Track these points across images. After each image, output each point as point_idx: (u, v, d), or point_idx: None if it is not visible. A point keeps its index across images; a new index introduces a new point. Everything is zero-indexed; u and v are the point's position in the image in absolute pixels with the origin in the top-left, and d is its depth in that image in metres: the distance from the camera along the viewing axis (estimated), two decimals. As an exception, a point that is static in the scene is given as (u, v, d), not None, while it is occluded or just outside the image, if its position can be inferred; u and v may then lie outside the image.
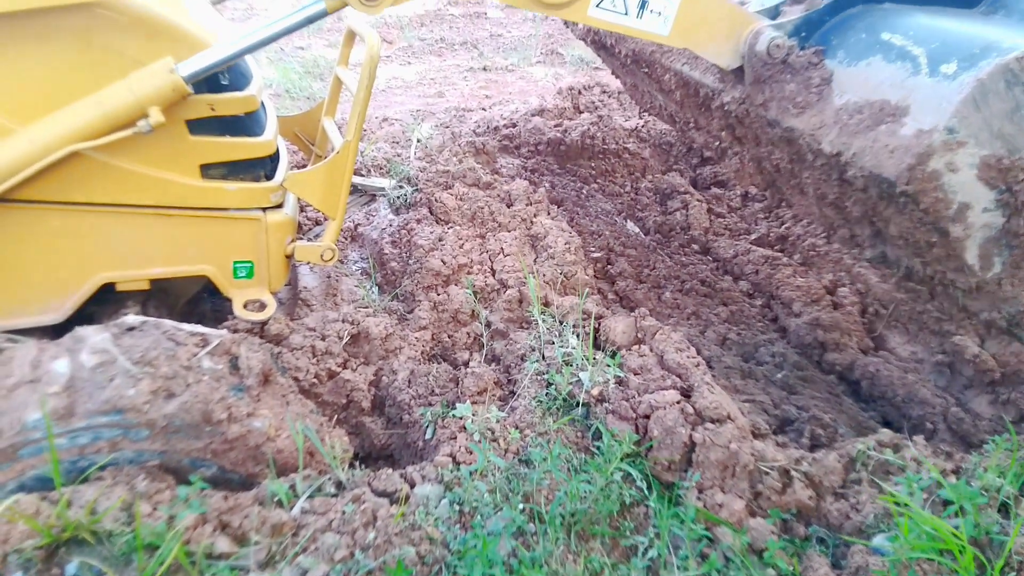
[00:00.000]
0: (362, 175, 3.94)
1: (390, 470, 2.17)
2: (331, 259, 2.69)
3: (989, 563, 1.92)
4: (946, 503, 2.07)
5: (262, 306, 2.60)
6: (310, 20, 2.35)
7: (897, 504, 2.04)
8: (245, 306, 2.58)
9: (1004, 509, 2.07)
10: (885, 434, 2.26)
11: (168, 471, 2.04)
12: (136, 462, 1.99)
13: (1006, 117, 2.19)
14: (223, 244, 2.52)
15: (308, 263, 2.81)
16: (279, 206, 2.58)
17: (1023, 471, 2.14)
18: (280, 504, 2.02)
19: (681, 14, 2.53)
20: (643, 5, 2.50)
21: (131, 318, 2.09)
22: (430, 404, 2.54)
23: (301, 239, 2.73)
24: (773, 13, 2.84)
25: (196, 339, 2.09)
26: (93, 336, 2.02)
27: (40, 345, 2.02)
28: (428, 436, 2.42)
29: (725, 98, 2.86)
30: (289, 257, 2.64)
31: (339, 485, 2.15)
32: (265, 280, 2.62)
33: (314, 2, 2.34)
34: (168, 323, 2.10)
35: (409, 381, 2.62)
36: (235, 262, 2.56)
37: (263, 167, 2.53)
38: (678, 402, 2.26)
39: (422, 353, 2.75)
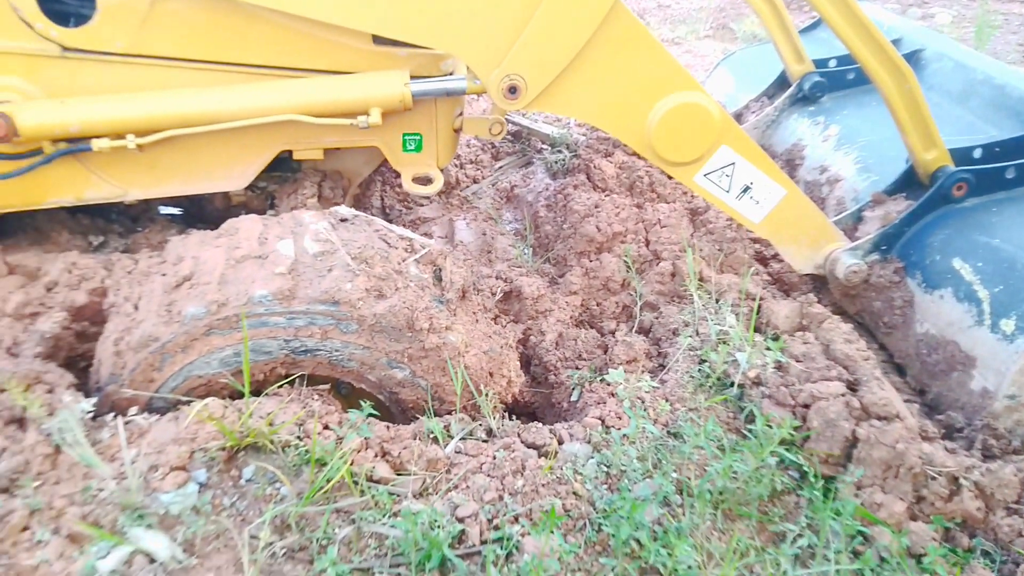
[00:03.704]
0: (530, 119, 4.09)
1: (539, 424, 2.31)
2: (499, 133, 2.82)
3: None
4: None
5: (429, 180, 2.77)
6: (448, 92, 2.63)
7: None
8: (413, 180, 2.76)
9: None
10: (1073, 453, 2.20)
11: (365, 366, 2.26)
12: (342, 352, 2.21)
13: None
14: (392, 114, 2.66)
15: (477, 137, 2.94)
16: (448, 75, 2.71)
17: None
18: (436, 441, 2.19)
19: (777, 209, 2.73)
20: (745, 190, 2.69)
21: (343, 210, 2.31)
22: (577, 368, 2.65)
23: None
24: (856, 217, 3.04)
25: (405, 243, 2.28)
26: (313, 223, 2.24)
27: (264, 220, 2.26)
28: (574, 398, 2.55)
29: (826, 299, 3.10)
30: (457, 131, 2.80)
31: (489, 432, 2.31)
32: (433, 154, 2.78)
33: (458, 79, 2.63)
34: (379, 221, 2.32)
35: (557, 343, 2.75)
36: (404, 134, 2.74)
37: None
38: (843, 395, 2.28)
39: (570, 317, 2.87)
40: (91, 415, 2.12)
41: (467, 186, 3.63)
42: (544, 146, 3.88)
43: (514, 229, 3.50)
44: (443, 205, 3.44)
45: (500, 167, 3.82)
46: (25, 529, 1.86)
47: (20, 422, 2.08)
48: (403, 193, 3.57)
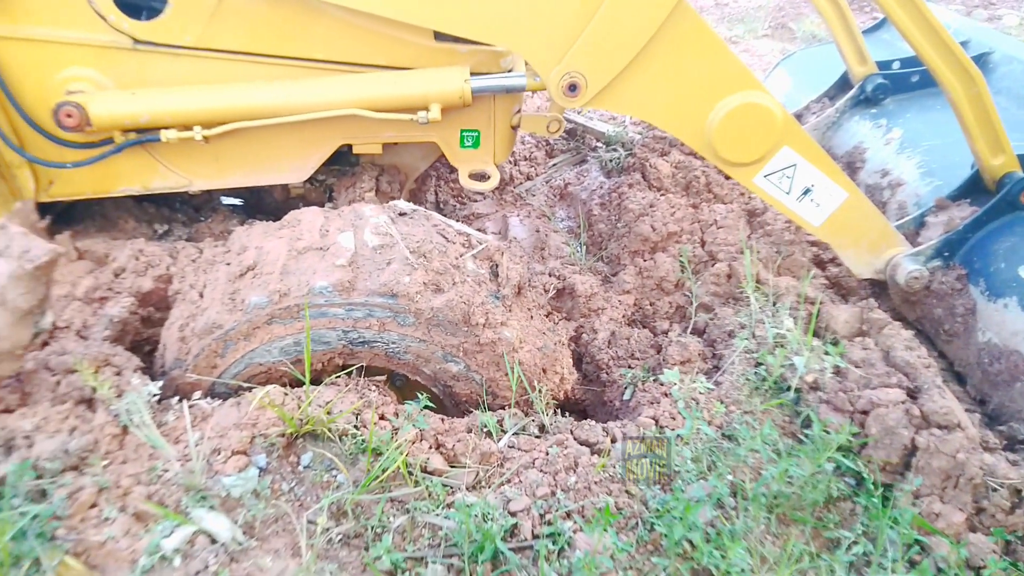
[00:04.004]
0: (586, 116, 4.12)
1: (592, 422, 2.34)
2: (557, 131, 2.87)
3: None
4: None
5: (485, 177, 2.83)
6: (508, 89, 2.71)
7: None
8: (470, 176, 2.84)
9: None
10: None
11: (421, 359, 2.31)
12: (399, 345, 2.27)
13: None
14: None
15: (532, 134, 3.01)
16: (507, 72, 2.77)
17: None
18: (489, 435, 2.23)
19: (838, 212, 2.72)
20: (806, 192, 2.68)
21: (402, 204, 2.38)
22: (629, 367, 2.67)
23: None
24: (918, 222, 3.01)
25: (463, 238, 2.33)
26: (373, 216, 2.30)
27: (325, 213, 2.33)
28: (627, 397, 2.57)
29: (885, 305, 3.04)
30: (515, 128, 2.85)
31: (542, 428, 2.34)
32: (490, 151, 2.85)
33: (518, 76, 2.70)
34: (437, 216, 2.38)
35: (609, 342, 2.77)
36: (462, 131, 2.81)
37: None
38: (903, 402, 2.26)
39: (623, 316, 2.89)
40: (156, 398, 2.20)
41: (521, 183, 3.67)
42: (599, 144, 3.91)
43: (567, 227, 3.52)
44: (497, 201, 3.49)
45: (554, 164, 3.85)
46: (93, 506, 1.94)
47: (89, 402, 2.17)
48: (457, 188, 3.62)
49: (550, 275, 2.91)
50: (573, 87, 2.48)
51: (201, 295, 2.30)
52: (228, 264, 2.31)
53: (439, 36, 2.64)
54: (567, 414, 2.71)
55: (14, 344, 1.96)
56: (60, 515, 1.88)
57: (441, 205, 3.49)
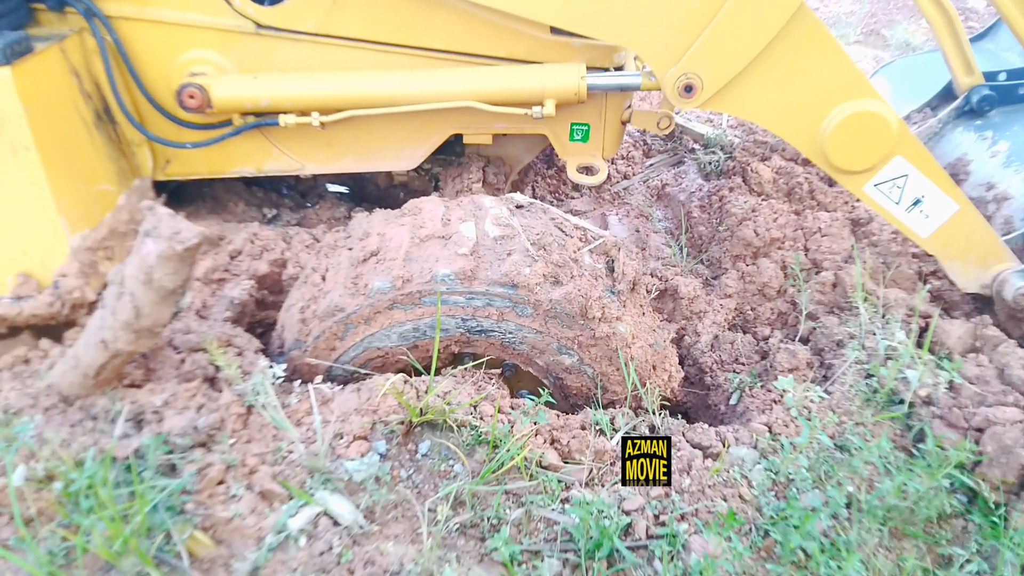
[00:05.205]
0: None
1: (704, 425, 2.39)
2: (667, 127, 2.92)
3: None
4: None
5: (592, 171, 2.90)
6: (623, 88, 2.77)
7: None
8: (577, 170, 2.91)
9: None
10: None
11: (535, 350, 2.38)
12: (515, 335, 2.34)
13: None
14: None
15: (643, 130, 3.07)
16: (620, 68, 2.83)
17: None
18: (602, 432, 2.30)
19: (947, 225, 2.71)
20: (916, 203, 2.68)
21: (519, 196, 2.45)
22: (735, 371, 2.71)
23: None
24: None
25: (579, 232, 2.40)
26: (493, 207, 2.38)
27: (445, 202, 2.42)
28: (733, 402, 2.61)
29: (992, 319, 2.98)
30: (624, 124, 2.91)
31: (652, 428, 2.40)
32: (599, 145, 2.92)
33: (634, 75, 2.76)
34: (553, 210, 2.45)
35: (712, 345, 2.81)
36: (572, 124, 2.88)
37: None
38: (1020, 421, 2.28)
39: (725, 320, 2.93)
40: (280, 380, 2.30)
41: (617, 181, 3.72)
42: (696, 146, 3.94)
43: (664, 227, 3.56)
44: (594, 199, 3.54)
45: (651, 164, 3.89)
46: (221, 483, 2.04)
47: (212, 381, 2.28)
48: (554, 184, 3.68)
49: (652, 276, 2.96)
50: (689, 88, 2.52)
51: (323, 278, 2.39)
52: (350, 249, 2.40)
53: (555, 30, 2.70)
54: (677, 415, 2.77)
55: (155, 322, 2.06)
56: (189, 490, 1.98)
57: (538, 199, 3.55)
